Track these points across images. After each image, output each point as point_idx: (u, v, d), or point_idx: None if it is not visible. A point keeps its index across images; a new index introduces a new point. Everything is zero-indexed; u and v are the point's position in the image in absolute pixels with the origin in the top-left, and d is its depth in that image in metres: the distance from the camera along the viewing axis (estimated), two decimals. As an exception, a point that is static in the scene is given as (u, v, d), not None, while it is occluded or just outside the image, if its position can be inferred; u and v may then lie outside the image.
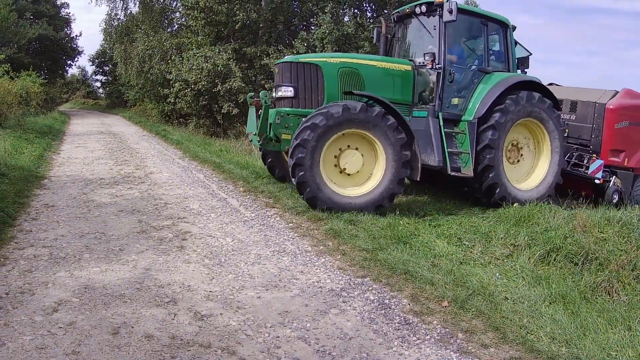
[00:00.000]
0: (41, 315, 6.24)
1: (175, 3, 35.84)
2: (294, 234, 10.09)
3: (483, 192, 12.57)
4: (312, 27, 29.64)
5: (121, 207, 11.50)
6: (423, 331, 6.37)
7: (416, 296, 7.30)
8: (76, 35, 60.94)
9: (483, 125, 12.42)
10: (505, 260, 8.90)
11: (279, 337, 6.05)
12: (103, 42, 59.37)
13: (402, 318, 6.67)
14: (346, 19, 30.74)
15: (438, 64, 12.32)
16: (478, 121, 12.38)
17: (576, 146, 15.43)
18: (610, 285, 8.11)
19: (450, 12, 11.69)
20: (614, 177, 14.78)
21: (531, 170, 13.59)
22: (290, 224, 10.67)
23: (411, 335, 6.27)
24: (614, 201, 14.14)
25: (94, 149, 21.93)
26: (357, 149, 11.38)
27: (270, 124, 12.04)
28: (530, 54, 15.45)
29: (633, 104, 15.22)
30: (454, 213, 11.71)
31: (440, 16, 12.20)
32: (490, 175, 12.30)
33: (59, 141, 24.38)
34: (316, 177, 11.00)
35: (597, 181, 14.38)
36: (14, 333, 5.76)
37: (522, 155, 13.47)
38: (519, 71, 14.08)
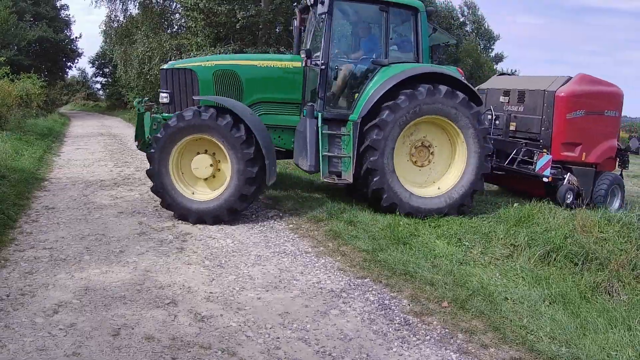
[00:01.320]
0: (42, 316, 6.26)
1: (174, 4, 35.84)
2: (294, 235, 10.13)
3: (371, 199, 11.66)
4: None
5: (121, 208, 11.49)
6: (423, 332, 6.39)
7: (416, 297, 7.32)
8: (76, 37, 60.76)
9: (368, 125, 11.32)
10: (505, 261, 8.89)
11: (279, 338, 6.07)
12: (103, 43, 59.24)
13: (402, 319, 6.69)
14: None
15: (321, 60, 11.39)
16: (364, 121, 11.33)
17: (525, 141, 14.04)
18: (611, 285, 8.09)
19: (322, 3, 11.06)
20: (569, 174, 13.52)
21: (443, 174, 12.01)
22: (290, 225, 10.71)
23: (411, 335, 6.29)
24: (568, 201, 13.02)
25: (94, 150, 21.90)
26: (214, 154, 10.91)
27: (148, 129, 11.90)
28: (455, 40, 14.87)
29: (589, 90, 13.86)
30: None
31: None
32: (374, 180, 11.20)
33: (59, 143, 24.35)
34: (163, 176, 10.71)
35: (545, 179, 13.14)
36: (14, 335, 5.78)
37: (433, 157, 11.95)
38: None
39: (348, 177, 11.28)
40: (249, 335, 6.08)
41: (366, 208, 11.65)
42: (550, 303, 7.30)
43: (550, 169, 13.22)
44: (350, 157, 11.22)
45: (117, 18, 39.29)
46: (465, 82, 11.89)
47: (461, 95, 11.43)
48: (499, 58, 62.20)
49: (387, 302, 7.17)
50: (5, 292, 6.88)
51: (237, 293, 7.25)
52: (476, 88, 14.95)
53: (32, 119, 28.89)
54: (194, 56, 28.09)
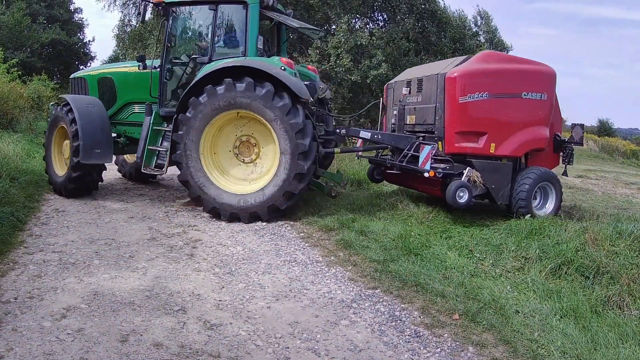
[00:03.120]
0: (50, 320, 6.25)
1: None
2: (305, 243, 10.11)
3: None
4: (326, 35, 29.61)
5: (132, 213, 11.52)
6: (433, 344, 6.34)
7: (427, 308, 7.27)
8: (89, 41, 61.21)
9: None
10: (516, 273, 8.84)
11: (288, 347, 6.03)
12: (116, 47, 59.31)
13: (413, 330, 6.65)
14: (357, 26, 30.75)
15: (154, 64, 13.27)
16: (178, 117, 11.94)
17: (423, 134, 12.37)
18: (622, 299, 8.01)
19: (138, 14, 12.96)
20: (467, 169, 11.62)
21: (265, 172, 11.97)
22: (301, 234, 10.70)
23: (422, 347, 6.24)
24: (461, 201, 11.16)
25: (105, 154, 21.91)
26: None
27: None
28: (321, 33, 14.32)
29: (494, 69, 11.76)
30: (465, 225, 11.61)
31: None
32: (181, 172, 11.88)
33: (71, 146, 24.39)
34: (49, 157, 13.67)
35: (425, 174, 11.34)
36: (22, 338, 5.77)
37: (260, 152, 12.10)
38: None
39: (165, 169, 12.47)
40: (259, 344, 6.05)
41: (377, 218, 11.61)
42: (561, 317, 7.24)
43: (439, 163, 11.78)
44: (167, 150, 12.29)
45: (130, 22, 39.34)
46: (277, 74, 11.40)
47: (266, 88, 11.27)
48: (511, 69, 61.96)
49: (397, 313, 7.12)
50: (14, 294, 6.89)
51: (247, 301, 7.23)
52: (386, 84, 14.63)
53: (44, 121, 28.93)
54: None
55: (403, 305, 7.37)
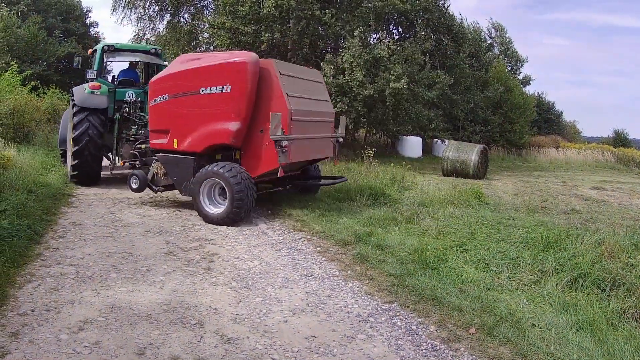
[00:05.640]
0: (66, 333, 6.27)
1: (202, 24, 35.93)
2: (321, 258, 10.08)
3: None
4: (341, 50, 29.61)
5: (149, 227, 11.54)
6: (450, 358, 6.32)
7: (443, 322, 7.25)
8: (105, 54, 61.09)
9: None
10: (532, 286, 8.79)
11: (305, 361, 6.02)
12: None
13: (430, 344, 6.63)
14: (373, 40, 30.74)
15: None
16: None
17: None
18: (638, 311, 7.96)
19: (75, 63, 19.70)
20: (154, 162, 13.88)
21: None
22: (318, 248, 10.66)
23: (438, 362, 6.23)
24: (134, 186, 13.81)
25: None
26: None
27: None
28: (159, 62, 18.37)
29: (175, 71, 13.35)
30: (482, 238, 11.58)
31: None
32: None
33: (87, 159, 24.47)
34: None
35: (117, 163, 17.11)
36: (39, 351, 5.80)
37: None
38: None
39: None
40: (275, 358, 6.05)
41: (394, 232, 11.59)
42: (577, 330, 7.19)
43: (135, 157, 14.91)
44: None
45: (146, 36, 39.48)
46: (74, 91, 16.60)
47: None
48: (526, 81, 61.76)
49: (414, 327, 7.11)
50: (31, 307, 6.93)
51: (264, 315, 7.22)
52: None
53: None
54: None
55: (420, 319, 7.35)
